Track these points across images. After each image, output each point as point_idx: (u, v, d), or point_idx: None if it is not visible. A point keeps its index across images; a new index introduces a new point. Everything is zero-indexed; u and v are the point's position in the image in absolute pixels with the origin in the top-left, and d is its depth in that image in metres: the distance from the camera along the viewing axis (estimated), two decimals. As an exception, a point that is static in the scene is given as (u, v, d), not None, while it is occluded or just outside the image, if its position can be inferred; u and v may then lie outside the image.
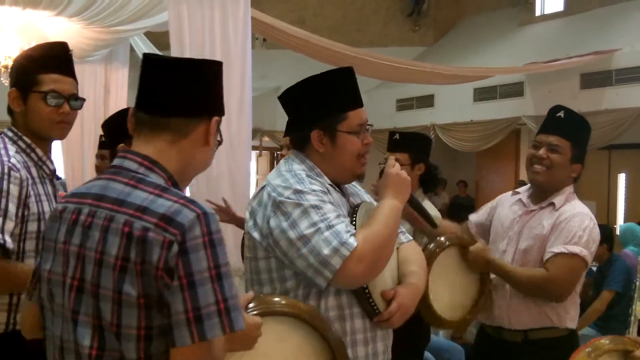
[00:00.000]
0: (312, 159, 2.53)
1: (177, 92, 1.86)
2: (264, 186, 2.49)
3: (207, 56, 5.16)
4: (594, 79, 11.06)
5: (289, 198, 2.36)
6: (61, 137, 2.82)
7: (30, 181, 2.65)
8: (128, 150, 1.88)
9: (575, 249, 3.11)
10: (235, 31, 5.25)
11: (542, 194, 3.28)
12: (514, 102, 12.07)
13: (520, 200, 3.38)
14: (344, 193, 2.60)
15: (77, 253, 1.80)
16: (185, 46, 5.23)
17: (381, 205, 2.48)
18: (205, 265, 1.67)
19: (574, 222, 3.15)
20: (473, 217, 3.62)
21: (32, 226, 2.63)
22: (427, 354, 5.23)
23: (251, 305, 2.14)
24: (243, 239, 4.10)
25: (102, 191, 1.83)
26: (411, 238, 2.81)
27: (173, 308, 1.66)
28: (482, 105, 12.75)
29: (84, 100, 2.84)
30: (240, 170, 5.12)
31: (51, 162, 2.82)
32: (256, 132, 6.30)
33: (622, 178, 12.34)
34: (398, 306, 2.45)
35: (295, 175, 2.45)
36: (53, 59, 2.75)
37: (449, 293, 3.21)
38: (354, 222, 2.44)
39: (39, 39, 6.80)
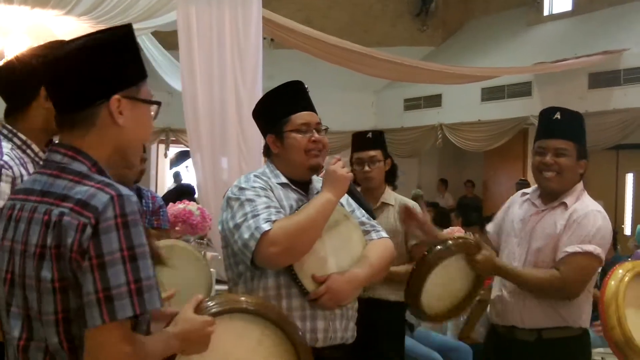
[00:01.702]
0: (273, 161, 2.96)
1: (63, 87, 1.85)
2: None
3: (216, 57, 5.18)
4: (602, 79, 11.03)
5: (234, 194, 2.79)
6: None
7: (25, 178, 2.64)
8: (55, 143, 1.91)
9: (590, 248, 3.10)
10: (246, 31, 5.27)
11: (556, 194, 3.28)
12: (522, 102, 12.04)
13: (529, 200, 3.37)
14: (307, 193, 2.92)
15: (9, 247, 1.84)
16: (194, 46, 5.24)
17: (314, 198, 2.81)
18: (116, 247, 1.68)
19: (587, 221, 3.14)
20: (490, 228, 3.61)
21: None
22: (434, 353, 5.24)
23: (210, 303, 2.19)
24: None
25: (31, 185, 1.87)
26: (385, 236, 3.01)
27: (84, 289, 1.68)
28: (490, 105, 12.73)
29: None
30: (251, 170, 5.13)
31: (47, 146, 2.80)
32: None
33: (630, 178, 12.29)
34: (326, 289, 2.72)
35: (247, 176, 2.90)
36: None
37: (441, 292, 3.22)
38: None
39: (48, 39, 6.80)
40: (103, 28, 1.93)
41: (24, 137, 2.74)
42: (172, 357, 2.00)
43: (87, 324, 1.69)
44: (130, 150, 1.94)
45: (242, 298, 2.40)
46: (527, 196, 3.39)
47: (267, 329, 2.28)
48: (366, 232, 2.96)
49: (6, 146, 2.70)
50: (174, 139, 13.74)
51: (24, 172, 2.66)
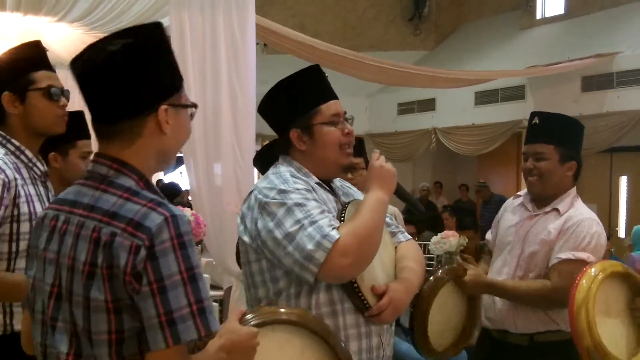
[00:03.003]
0: (297, 160, 2.57)
1: (105, 97, 1.78)
2: (252, 190, 2.52)
3: (210, 62, 5.17)
4: (595, 82, 11.06)
5: (274, 198, 2.39)
6: (63, 130, 2.84)
7: (20, 182, 2.67)
8: (98, 154, 1.85)
9: (583, 255, 3.10)
10: (240, 37, 5.24)
11: (546, 200, 3.28)
12: (516, 105, 12.07)
13: (522, 204, 3.37)
14: (334, 192, 2.63)
15: (54, 260, 1.79)
16: (187, 51, 5.22)
17: (366, 198, 2.50)
18: (175, 269, 1.65)
19: (581, 228, 3.14)
20: (489, 236, 3.61)
21: (25, 227, 2.65)
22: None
23: (250, 316, 2.13)
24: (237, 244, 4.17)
25: (75, 197, 1.82)
26: (410, 237, 2.83)
27: (145, 313, 1.65)
28: (484, 109, 12.76)
29: (69, 91, 2.86)
30: (246, 176, 5.12)
31: (42, 163, 2.84)
32: (257, 138, 6.30)
33: (623, 181, 12.32)
34: (389, 301, 2.45)
35: (280, 176, 2.49)
36: (38, 57, 2.81)
37: (444, 324, 3.18)
38: (342, 219, 2.47)
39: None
40: (130, 27, 1.85)
41: (17, 143, 2.75)
42: None
43: (149, 347, 1.66)
44: (171, 156, 1.92)
45: (282, 309, 2.25)
46: (520, 199, 3.40)
47: (309, 339, 2.20)
48: (393, 234, 2.75)
49: (0, 152, 2.70)
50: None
51: (17, 176, 2.68)
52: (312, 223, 2.32)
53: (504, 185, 13.67)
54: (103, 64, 1.75)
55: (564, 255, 3.11)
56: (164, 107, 1.81)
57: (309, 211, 2.35)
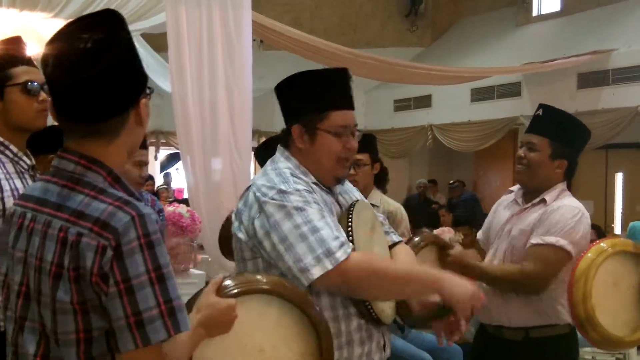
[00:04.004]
0: (295, 157, 2.49)
1: (86, 96, 1.70)
2: (249, 187, 2.45)
3: (206, 58, 5.18)
4: (591, 79, 11.06)
5: (273, 199, 2.32)
6: (43, 125, 2.83)
7: (4, 176, 2.67)
8: (64, 150, 1.78)
9: (551, 239, 3.09)
10: (237, 33, 5.26)
11: (533, 193, 3.29)
12: (512, 102, 12.07)
13: (515, 200, 3.39)
14: (332, 192, 2.55)
15: (22, 259, 1.76)
16: (183, 47, 5.23)
17: (427, 270, 2.51)
18: (143, 269, 1.62)
19: (556, 214, 3.15)
20: (480, 234, 3.63)
21: None
22: (424, 354, 5.24)
23: (229, 282, 2.13)
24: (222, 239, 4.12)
25: (42, 194, 1.78)
26: (402, 239, 2.79)
27: (113, 314, 1.62)
28: (480, 106, 12.75)
29: None
30: (242, 172, 5.13)
31: (29, 157, 2.83)
32: (254, 134, 6.31)
33: (619, 177, 12.33)
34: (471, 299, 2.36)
35: (280, 174, 2.41)
36: (16, 53, 2.81)
37: None
38: (350, 223, 2.42)
39: (37, 42, 6.79)
40: (88, 18, 1.76)
41: (1, 139, 2.75)
42: None
43: (119, 349, 1.63)
44: (138, 147, 1.90)
45: (260, 277, 2.22)
46: (513, 195, 3.41)
47: (286, 307, 2.17)
48: (385, 234, 2.71)
49: None
50: (164, 141, 13.68)
51: (1, 171, 2.68)
52: (313, 231, 2.25)
53: (500, 181, 13.68)
54: (78, 61, 1.69)
55: (534, 240, 3.12)
56: (143, 100, 1.80)
57: (309, 216, 2.27)
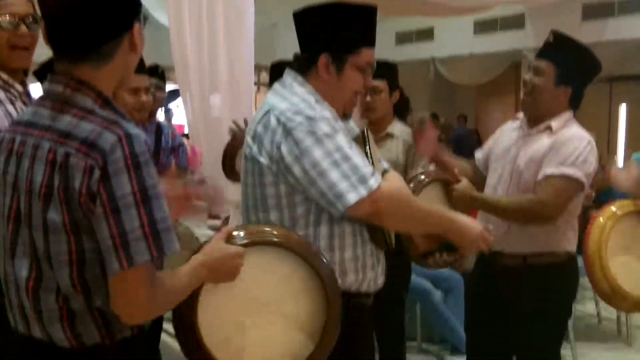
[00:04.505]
0: (312, 85, 2.44)
1: (79, 23, 1.70)
2: (268, 111, 2.39)
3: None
4: (596, 10, 10.93)
5: (301, 124, 2.29)
6: (22, 64, 2.73)
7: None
8: (54, 72, 1.78)
9: (569, 170, 3.08)
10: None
11: (538, 119, 3.27)
12: (515, 34, 11.95)
13: (520, 125, 3.36)
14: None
15: (12, 183, 1.76)
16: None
17: (446, 212, 2.59)
18: (128, 190, 1.62)
19: (569, 144, 3.12)
20: (478, 154, 3.61)
21: None
22: (427, 282, 5.29)
23: (239, 233, 2.12)
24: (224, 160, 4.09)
25: (32, 118, 1.78)
26: (390, 167, 2.76)
27: (100, 235, 1.64)
28: (483, 38, 12.63)
29: (39, 22, 2.71)
30: (243, 107, 5.08)
31: (22, 85, 2.76)
32: (254, 68, 6.24)
33: (623, 109, 12.28)
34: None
35: (304, 100, 2.39)
36: None
37: None
38: (367, 152, 2.46)
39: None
40: None
41: (5, 77, 2.71)
42: (198, 287, 1.96)
43: (108, 272, 1.65)
44: (132, 73, 1.89)
45: (268, 229, 2.22)
46: (518, 122, 3.39)
47: (293, 262, 2.15)
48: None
49: None
50: (164, 77, 13.58)
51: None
52: (345, 158, 2.27)
53: (502, 115, 13.62)
54: None
55: (549, 170, 3.10)
56: (136, 25, 1.78)
57: (339, 144, 2.29)
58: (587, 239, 2.98)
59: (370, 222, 2.40)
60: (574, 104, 3.27)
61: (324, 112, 2.35)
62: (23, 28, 2.66)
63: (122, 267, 1.62)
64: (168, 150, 4.24)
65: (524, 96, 3.29)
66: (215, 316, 2.04)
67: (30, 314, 1.77)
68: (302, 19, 2.50)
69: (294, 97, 2.39)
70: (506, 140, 3.39)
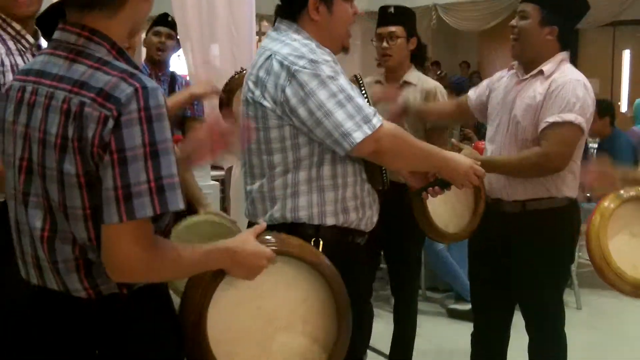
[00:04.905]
0: (306, 30, 2.49)
1: None
2: (270, 56, 2.42)
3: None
4: (599, -47, 10.78)
5: (305, 67, 2.34)
6: (26, 12, 2.70)
7: (5, 52, 2.63)
8: (65, 21, 1.74)
9: (570, 117, 3.06)
10: None
11: (531, 64, 3.24)
12: (517, -23, 11.82)
13: (515, 72, 3.34)
14: None
15: (23, 133, 1.72)
16: None
17: (444, 151, 2.64)
18: (139, 142, 1.59)
19: (566, 89, 3.09)
20: (472, 94, 3.59)
21: None
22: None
23: (271, 238, 2.04)
24: None
25: (42, 67, 1.74)
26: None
27: (104, 184, 1.60)
28: (485, -17, 12.52)
29: None
30: (245, 56, 5.03)
31: (34, 37, 2.75)
32: (255, 18, 6.17)
33: (626, 54, 12.20)
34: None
35: (305, 44, 2.43)
36: None
37: (448, 208, 3.18)
38: (364, 94, 2.55)
39: None
40: None
41: (3, 16, 2.69)
42: (219, 277, 1.91)
43: (104, 220, 1.60)
44: (142, 23, 1.85)
45: (297, 242, 2.13)
46: (514, 69, 3.37)
47: (317, 283, 2.09)
48: None
49: None
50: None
51: (1, 47, 2.64)
52: (349, 99, 2.33)
53: (505, 61, 13.47)
54: None
55: (551, 118, 3.07)
56: None
57: (342, 85, 2.35)
58: (588, 224, 2.98)
59: (371, 160, 2.48)
60: (564, 43, 3.24)
61: (325, 56, 2.40)
62: None
63: (121, 219, 1.59)
64: None
65: (513, 42, 3.27)
66: (225, 327, 1.96)
67: (45, 264, 1.75)
68: None
69: (295, 43, 2.43)
70: (502, 91, 3.37)
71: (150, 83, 1.64)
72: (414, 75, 4.00)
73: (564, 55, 3.23)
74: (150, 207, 1.60)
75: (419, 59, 4.12)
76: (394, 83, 3.98)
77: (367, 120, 2.33)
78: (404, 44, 3.98)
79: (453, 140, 3.52)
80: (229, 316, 1.97)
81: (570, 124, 3.07)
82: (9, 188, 1.80)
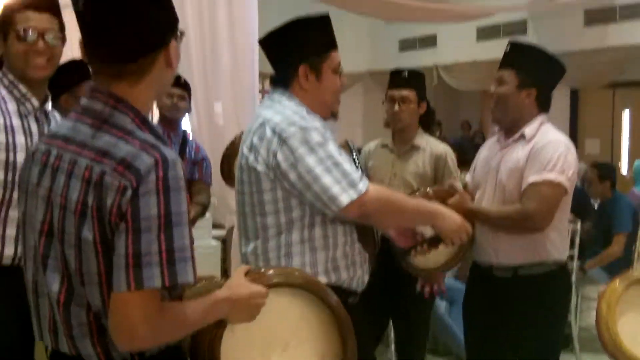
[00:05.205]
0: (298, 97, 2.65)
1: (129, 36, 1.71)
2: (262, 123, 2.57)
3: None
4: (598, 16, 10.93)
5: (295, 134, 2.48)
6: (39, 75, 2.77)
7: (1, 112, 2.68)
8: (93, 89, 1.79)
9: (550, 176, 3.09)
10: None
11: (512, 128, 3.29)
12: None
13: (497, 139, 3.39)
14: None
15: (46, 197, 1.76)
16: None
17: (432, 205, 2.78)
18: (154, 212, 1.61)
19: (547, 150, 3.14)
20: (469, 178, 3.63)
21: (0, 155, 2.65)
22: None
23: (271, 272, 2.08)
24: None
25: (69, 133, 1.78)
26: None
27: (116, 250, 1.62)
28: (486, 45, 12.62)
29: (63, 37, 2.80)
30: (247, 114, 5.08)
31: (41, 100, 2.80)
32: (259, 76, 6.23)
33: (626, 115, 12.28)
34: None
35: (296, 112, 2.58)
36: None
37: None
38: (354, 159, 2.74)
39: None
40: None
41: (12, 78, 2.76)
42: (221, 327, 1.92)
43: (113, 287, 1.62)
44: (163, 90, 1.94)
45: (292, 271, 2.23)
46: (496, 136, 3.42)
47: (311, 303, 2.13)
48: None
49: None
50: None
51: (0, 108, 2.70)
52: (336, 165, 2.47)
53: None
54: (116, 4, 1.69)
55: (532, 178, 3.11)
56: (173, 42, 1.79)
57: (330, 152, 2.48)
58: (599, 302, 2.97)
59: (360, 222, 2.59)
60: (543, 106, 3.30)
61: (315, 123, 2.56)
62: (41, 43, 2.72)
63: (129, 287, 1.60)
64: (190, 162, 4.35)
65: (492, 108, 3.33)
66: (235, 356, 1.99)
67: (60, 327, 1.76)
68: (270, 42, 2.76)
69: (286, 110, 2.59)
70: (487, 156, 3.42)
71: (171, 154, 1.67)
72: (422, 139, 4.04)
73: (543, 117, 3.29)
74: (160, 278, 1.62)
75: (426, 122, 4.16)
76: (401, 146, 4.01)
77: (353, 184, 2.45)
78: (415, 108, 4.02)
79: (451, 182, 3.53)
80: (242, 355, 2.02)
81: (550, 182, 3.10)
82: (28, 249, 1.83)
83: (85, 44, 1.76)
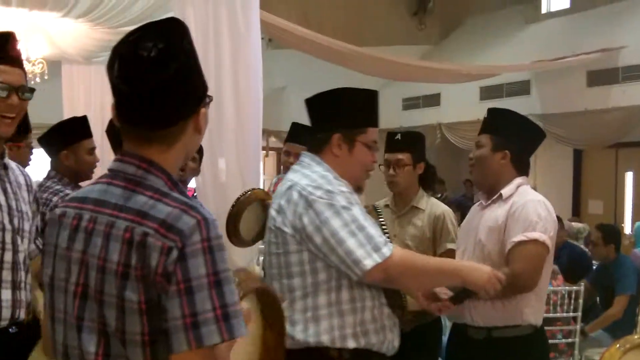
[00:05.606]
0: (327, 162, 2.72)
1: (161, 102, 1.74)
2: (290, 186, 2.66)
3: (213, 57, 5.17)
4: (600, 77, 11.04)
5: (321, 197, 2.57)
6: (5, 132, 2.68)
7: None
8: (124, 152, 1.83)
9: (535, 235, 3.12)
10: (246, 31, 5.23)
11: (491, 191, 3.36)
12: (521, 100, 12.03)
13: (480, 202, 3.45)
14: None
15: (80, 259, 1.77)
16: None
17: (456, 260, 2.88)
18: (203, 272, 1.65)
19: (527, 209, 3.18)
20: (457, 246, 3.65)
21: None
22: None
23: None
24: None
25: (101, 196, 1.80)
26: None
27: (170, 313, 1.65)
28: (489, 104, 12.64)
29: (33, 90, 2.73)
30: (251, 171, 5.11)
31: (1, 154, 2.74)
32: (262, 132, 6.27)
33: (629, 176, 12.28)
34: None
35: (323, 176, 2.66)
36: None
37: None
38: (382, 222, 2.78)
39: (47, 41, 6.81)
40: (151, 25, 1.81)
41: None
42: None
43: (172, 349, 1.65)
44: (193, 151, 1.96)
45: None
46: (480, 200, 3.47)
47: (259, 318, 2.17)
48: None
49: None
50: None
51: None
52: (361, 229, 2.52)
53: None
54: (150, 73, 1.72)
55: (517, 238, 3.13)
56: (203, 110, 1.83)
57: (355, 215, 2.54)
58: None
59: (386, 286, 2.63)
60: (520, 168, 3.36)
61: (341, 187, 2.62)
62: (14, 98, 2.64)
63: (190, 346, 1.63)
64: None
65: (471, 171, 3.44)
66: None
67: None
68: (314, 103, 2.84)
69: (314, 174, 2.66)
70: (469, 219, 3.50)
71: (209, 215, 1.72)
72: (423, 201, 4.04)
73: (522, 179, 3.35)
74: (218, 334, 1.65)
75: (427, 182, 4.15)
76: (402, 207, 4.01)
77: (377, 249, 2.49)
78: (411, 170, 4.04)
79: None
80: None
81: (535, 241, 3.13)
82: (57, 312, 1.84)
83: (117, 109, 1.79)
